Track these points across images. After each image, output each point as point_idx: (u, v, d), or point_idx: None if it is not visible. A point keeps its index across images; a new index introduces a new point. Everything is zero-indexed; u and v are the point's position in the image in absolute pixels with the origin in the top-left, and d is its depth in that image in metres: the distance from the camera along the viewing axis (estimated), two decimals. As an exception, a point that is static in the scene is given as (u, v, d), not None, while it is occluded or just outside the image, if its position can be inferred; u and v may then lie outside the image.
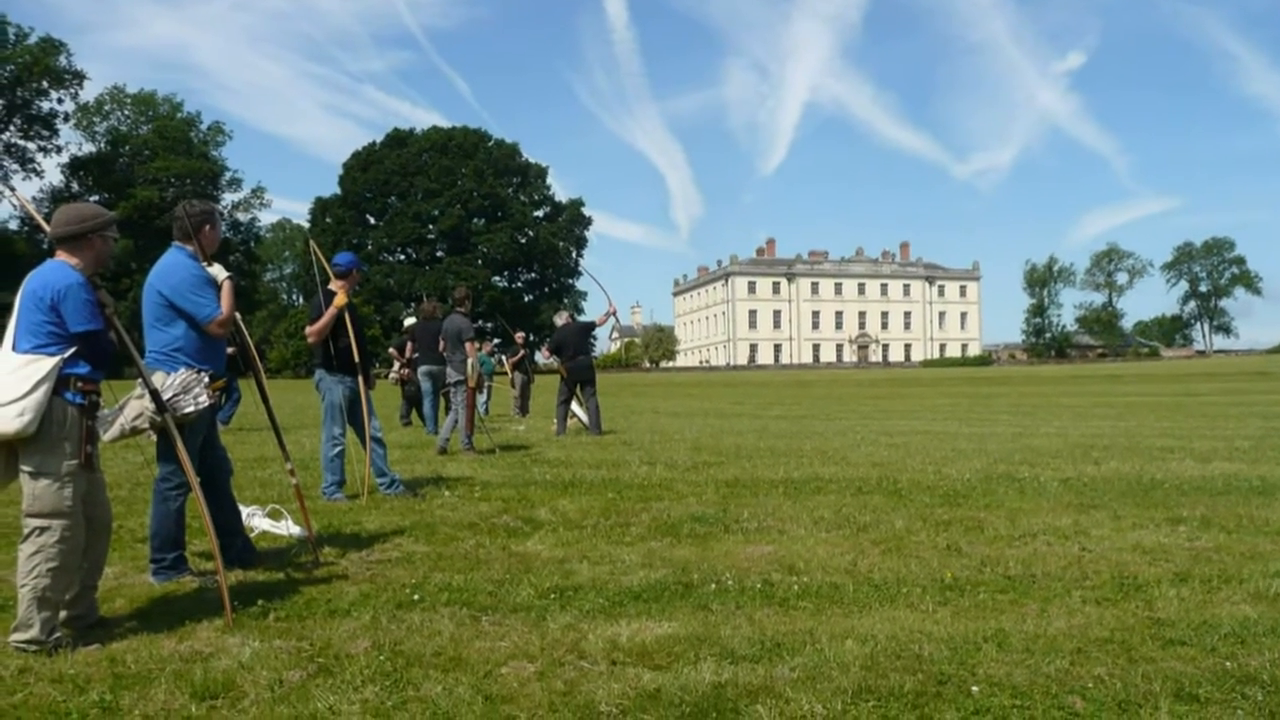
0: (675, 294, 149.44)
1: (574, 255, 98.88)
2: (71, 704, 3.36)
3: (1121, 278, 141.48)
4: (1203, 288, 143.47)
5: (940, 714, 3.25)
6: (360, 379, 8.12)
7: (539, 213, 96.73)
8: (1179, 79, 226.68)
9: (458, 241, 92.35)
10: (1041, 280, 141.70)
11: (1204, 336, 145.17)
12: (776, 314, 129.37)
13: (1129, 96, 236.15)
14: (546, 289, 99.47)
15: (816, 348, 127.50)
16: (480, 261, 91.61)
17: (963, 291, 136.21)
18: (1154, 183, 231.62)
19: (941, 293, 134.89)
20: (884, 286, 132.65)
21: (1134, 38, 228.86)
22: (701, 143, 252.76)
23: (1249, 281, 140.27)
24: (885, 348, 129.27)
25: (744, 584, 4.99)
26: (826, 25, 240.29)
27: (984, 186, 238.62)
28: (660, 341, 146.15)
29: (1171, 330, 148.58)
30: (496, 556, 5.77)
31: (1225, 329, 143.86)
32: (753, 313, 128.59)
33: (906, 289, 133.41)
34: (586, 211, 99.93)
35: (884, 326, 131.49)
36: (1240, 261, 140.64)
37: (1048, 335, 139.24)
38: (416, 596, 4.78)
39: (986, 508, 7.47)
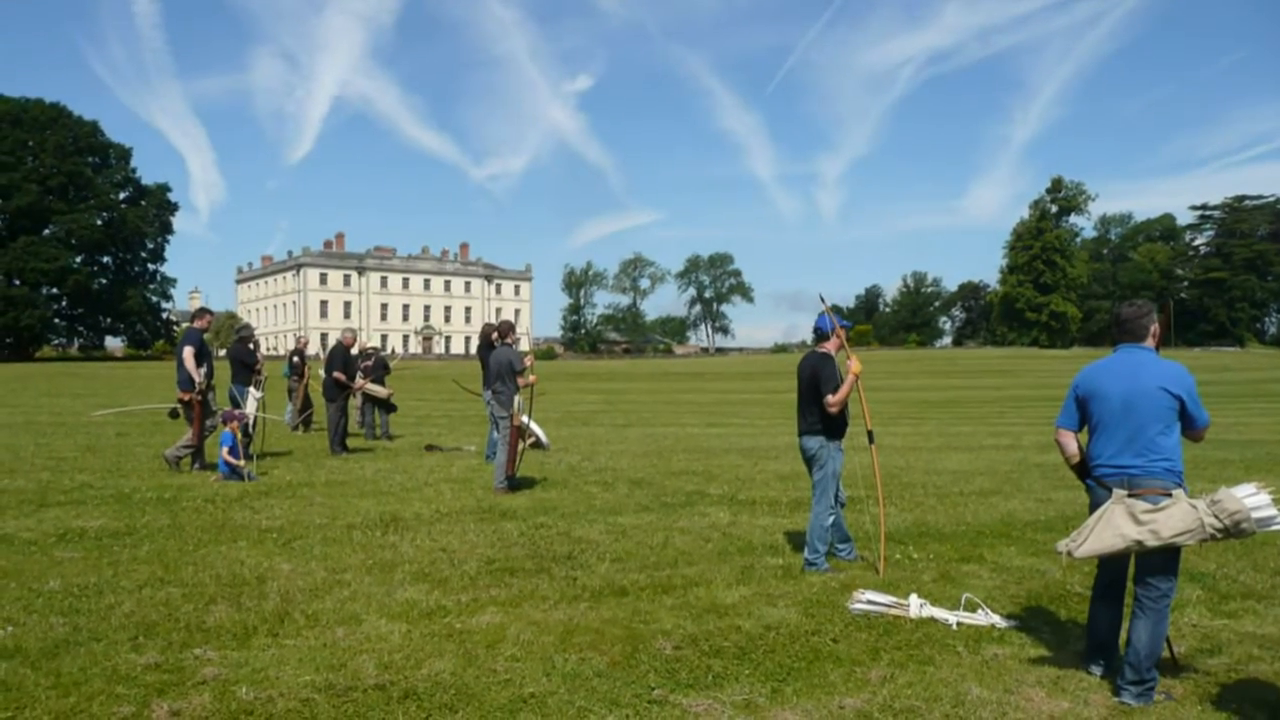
0: (239, 281, 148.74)
1: (159, 239, 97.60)
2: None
3: (645, 283, 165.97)
4: (707, 294, 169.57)
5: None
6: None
7: (122, 195, 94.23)
8: (667, 108, 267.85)
9: (35, 221, 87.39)
10: (579, 283, 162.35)
11: (708, 336, 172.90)
12: (347, 305, 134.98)
13: (627, 120, 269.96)
14: (131, 272, 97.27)
15: (385, 338, 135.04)
16: (60, 243, 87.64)
17: (517, 290, 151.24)
18: (642, 198, 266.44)
19: (499, 290, 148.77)
20: (448, 283, 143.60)
21: (633, 68, 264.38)
22: (226, 127, 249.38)
23: (744, 290, 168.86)
24: (448, 340, 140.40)
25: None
26: (359, 23, 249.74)
27: (497, 190, 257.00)
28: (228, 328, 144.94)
29: (680, 329, 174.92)
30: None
31: (724, 330, 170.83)
32: (324, 303, 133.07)
33: (468, 286, 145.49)
34: (172, 198, 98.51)
35: (447, 320, 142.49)
36: (737, 273, 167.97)
37: (583, 331, 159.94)
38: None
39: None
